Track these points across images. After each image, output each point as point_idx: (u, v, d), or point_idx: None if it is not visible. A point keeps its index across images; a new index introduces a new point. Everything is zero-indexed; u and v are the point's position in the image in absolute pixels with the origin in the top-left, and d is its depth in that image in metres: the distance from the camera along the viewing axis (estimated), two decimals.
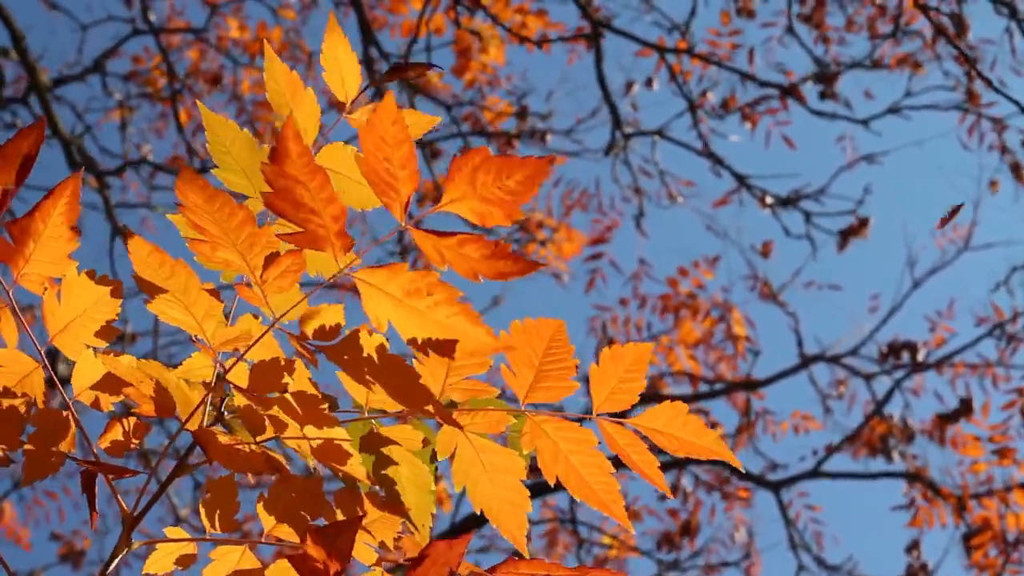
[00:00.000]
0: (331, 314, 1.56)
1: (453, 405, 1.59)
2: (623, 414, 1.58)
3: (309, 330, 1.55)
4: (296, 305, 1.55)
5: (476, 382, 1.56)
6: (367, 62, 7.78)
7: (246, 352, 1.56)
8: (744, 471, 7.86)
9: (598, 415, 1.57)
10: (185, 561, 1.65)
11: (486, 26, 8.77)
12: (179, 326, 1.56)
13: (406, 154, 1.42)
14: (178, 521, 8.62)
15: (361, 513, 1.60)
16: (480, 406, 1.58)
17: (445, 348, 1.48)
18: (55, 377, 1.60)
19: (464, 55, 9.22)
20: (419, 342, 1.47)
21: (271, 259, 1.49)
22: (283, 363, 1.56)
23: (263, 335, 1.55)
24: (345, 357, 1.52)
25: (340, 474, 1.58)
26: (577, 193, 9.80)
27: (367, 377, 1.52)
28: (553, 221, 9.83)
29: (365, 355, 1.52)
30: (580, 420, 1.57)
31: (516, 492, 1.58)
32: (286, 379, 1.55)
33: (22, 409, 1.57)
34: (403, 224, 1.45)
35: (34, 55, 7.78)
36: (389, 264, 1.46)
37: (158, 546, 1.64)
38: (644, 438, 1.58)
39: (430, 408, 1.52)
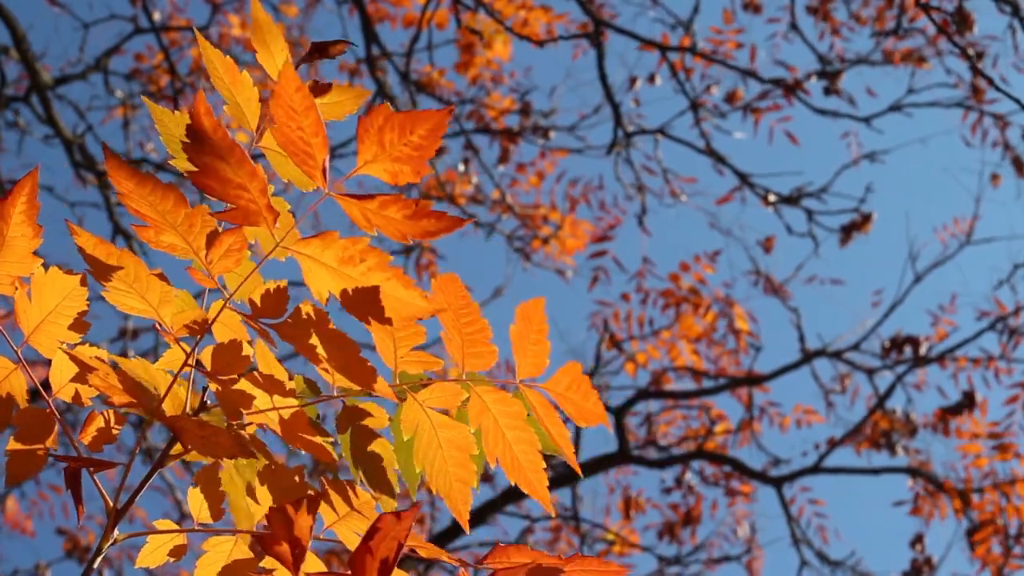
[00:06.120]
0: (275, 289, 1.56)
1: (411, 379, 1.61)
2: (538, 379, 1.61)
3: (259, 307, 1.56)
4: (244, 281, 1.56)
5: (426, 354, 1.58)
6: (369, 60, 7.79)
7: (204, 333, 1.57)
8: (745, 467, 7.81)
9: (521, 381, 1.60)
10: (177, 552, 1.67)
11: (489, 22, 8.77)
12: (137, 314, 1.57)
13: (315, 121, 1.44)
14: (182, 517, 8.64)
15: (350, 498, 1.61)
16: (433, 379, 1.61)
17: (382, 314, 1.49)
18: (38, 377, 1.62)
19: (468, 52, 9.23)
20: (359, 310, 1.49)
21: (212, 239, 1.50)
22: (242, 344, 1.57)
23: (218, 314, 1.56)
24: (295, 333, 1.54)
25: (313, 453, 1.59)
26: (581, 188, 9.82)
27: (317, 353, 1.54)
28: (558, 215, 9.84)
29: (311, 330, 1.54)
30: (505, 386, 1.60)
31: (465, 468, 1.60)
32: (247, 355, 1.57)
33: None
34: (327, 191, 1.47)
35: (36, 54, 7.80)
36: (322, 233, 1.47)
37: (149, 538, 1.65)
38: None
39: (378, 386, 1.54)
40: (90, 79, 8.78)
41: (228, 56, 1.58)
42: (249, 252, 1.56)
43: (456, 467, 1.60)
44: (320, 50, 1.61)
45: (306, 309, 1.54)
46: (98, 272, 1.54)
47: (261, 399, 1.58)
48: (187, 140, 1.43)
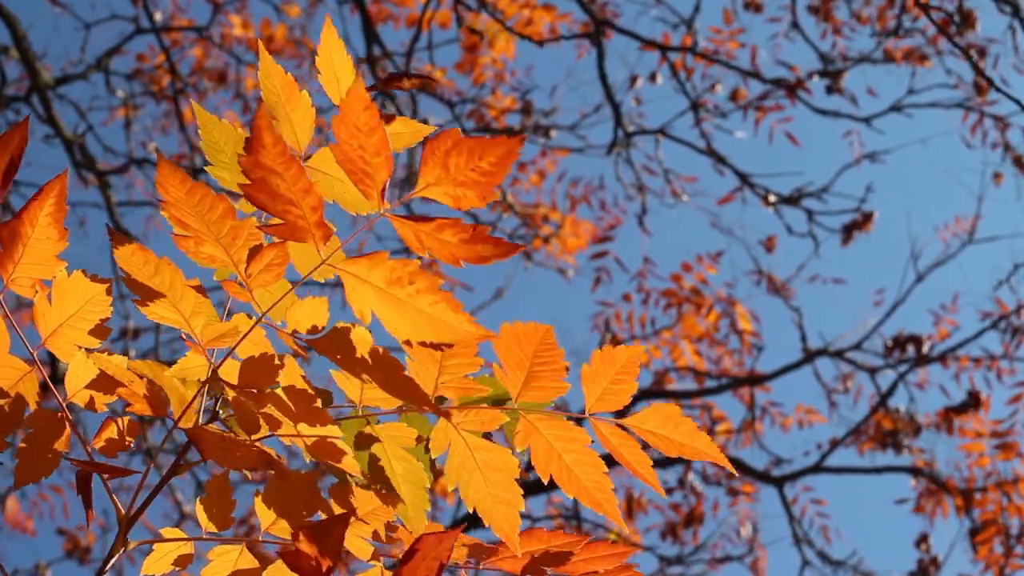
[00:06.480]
0: (316, 306, 1.56)
1: (444, 403, 1.58)
2: (618, 414, 1.58)
3: (297, 324, 1.55)
4: (282, 298, 1.54)
5: (469, 380, 1.55)
6: (370, 60, 7.78)
7: (234, 348, 1.56)
8: (747, 467, 7.79)
9: (591, 415, 1.57)
10: (183, 561, 1.66)
11: (491, 22, 8.76)
12: (168, 324, 1.56)
13: (379, 140, 1.42)
14: (182, 517, 8.64)
15: (355, 507, 1.60)
16: (473, 404, 1.58)
17: (436, 339, 1.47)
18: (53, 378, 1.61)
19: (470, 51, 9.22)
20: (403, 333, 1.46)
21: (254, 252, 1.49)
22: (274, 358, 1.55)
23: (250, 330, 1.55)
24: (334, 350, 1.52)
25: (335, 470, 1.58)
26: (582, 188, 9.81)
27: (358, 370, 1.51)
28: (559, 215, 9.84)
29: (352, 348, 1.52)
30: (574, 419, 1.56)
31: (509, 491, 1.57)
32: (278, 370, 1.55)
33: (11, 411, 1.57)
34: (381, 211, 1.45)
35: (36, 53, 7.79)
36: (370, 253, 1.44)
37: (155, 546, 1.64)
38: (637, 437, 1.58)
39: (419, 400, 1.52)
40: (91, 79, 8.78)
41: (280, 68, 1.57)
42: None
43: (498, 489, 1.57)
44: (392, 81, 1.60)
45: (348, 328, 1.52)
46: (132, 283, 1.53)
47: (281, 414, 1.56)
48: (244, 153, 1.41)
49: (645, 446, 1.59)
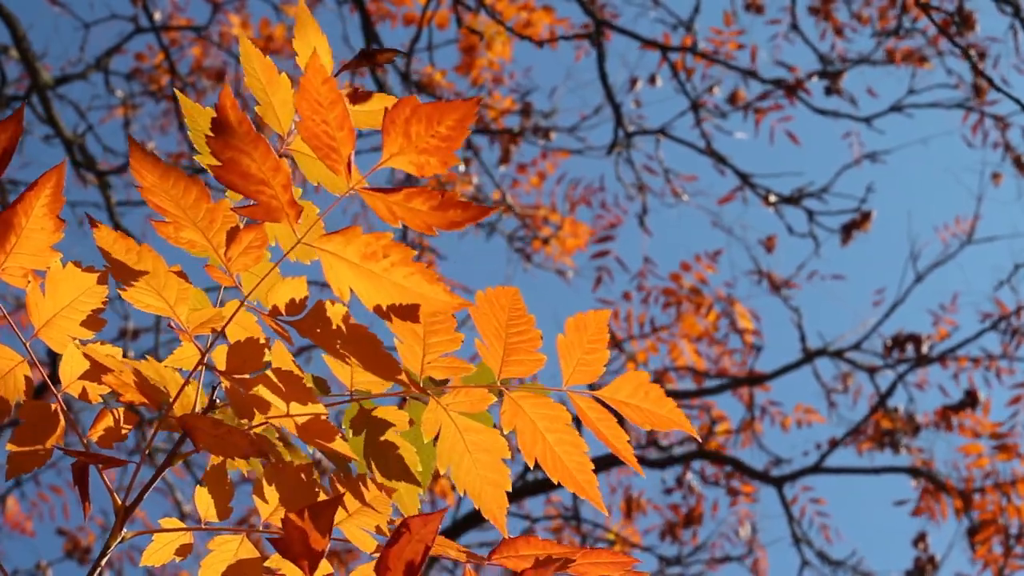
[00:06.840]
0: (294, 287, 1.56)
1: (434, 383, 1.59)
2: (592, 387, 1.59)
3: (278, 305, 1.55)
4: (263, 280, 1.54)
5: (455, 359, 1.56)
6: None
7: (221, 332, 1.55)
8: (746, 467, 7.79)
9: (568, 388, 1.57)
10: (183, 551, 1.66)
11: (490, 23, 8.76)
12: (153, 312, 1.55)
13: (341, 114, 1.43)
14: (182, 517, 8.63)
15: (362, 494, 1.60)
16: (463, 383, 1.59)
17: (407, 311, 1.48)
18: (50, 371, 1.61)
19: (469, 52, 9.22)
20: (382, 307, 1.47)
21: (232, 235, 1.48)
22: (260, 341, 1.55)
23: (235, 313, 1.54)
24: (316, 330, 1.52)
25: (327, 452, 1.58)
26: (581, 190, 9.81)
27: (339, 349, 1.52)
28: (558, 217, 9.84)
29: (333, 326, 1.52)
30: (553, 394, 1.57)
31: (497, 472, 1.58)
32: (266, 357, 1.55)
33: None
34: (351, 186, 1.45)
35: (36, 53, 7.79)
36: (344, 229, 1.45)
37: (155, 537, 1.64)
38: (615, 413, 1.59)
39: (402, 378, 1.52)
40: (91, 79, 8.78)
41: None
42: (268, 253, 1.55)
43: (486, 470, 1.58)
44: (367, 57, 1.60)
45: (327, 305, 1.53)
46: (116, 269, 1.52)
47: (275, 398, 1.56)
48: (211, 134, 1.42)
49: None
